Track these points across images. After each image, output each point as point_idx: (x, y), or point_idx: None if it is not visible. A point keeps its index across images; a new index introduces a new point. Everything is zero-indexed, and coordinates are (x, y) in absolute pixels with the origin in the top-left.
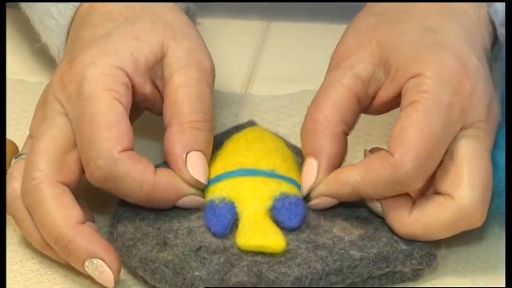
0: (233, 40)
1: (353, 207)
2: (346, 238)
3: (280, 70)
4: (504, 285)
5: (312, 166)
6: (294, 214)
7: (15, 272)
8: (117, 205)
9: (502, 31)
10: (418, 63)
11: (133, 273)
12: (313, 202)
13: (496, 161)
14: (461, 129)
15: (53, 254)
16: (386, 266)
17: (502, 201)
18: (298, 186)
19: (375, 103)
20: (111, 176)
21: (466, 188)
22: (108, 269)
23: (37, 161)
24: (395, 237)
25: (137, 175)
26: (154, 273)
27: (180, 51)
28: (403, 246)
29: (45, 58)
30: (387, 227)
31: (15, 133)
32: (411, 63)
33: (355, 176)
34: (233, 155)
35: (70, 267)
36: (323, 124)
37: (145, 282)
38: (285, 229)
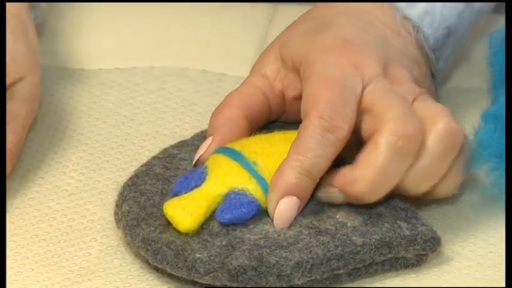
0: (240, 23)
1: None
2: (349, 224)
3: None
4: (504, 286)
5: (207, 142)
6: (229, 211)
7: (21, 256)
8: (123, 185)
9: (431, 55)
10: (303, 47)
11: (137, 254)
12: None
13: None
14: (365, 87)
15: None
16: (389, 252)
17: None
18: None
19: (288, 100)
20: None
21: (387, 115)
22: None
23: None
24: (398, 223)
25: None
26: (156, 254)
27: None
28: (406, 232)
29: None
30: (391, 212)
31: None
32: (298, 49)
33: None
34: (253, 142)
35: (78, 250)
36: (225, 108)
37: (148, 262)
38: (216, 219)
